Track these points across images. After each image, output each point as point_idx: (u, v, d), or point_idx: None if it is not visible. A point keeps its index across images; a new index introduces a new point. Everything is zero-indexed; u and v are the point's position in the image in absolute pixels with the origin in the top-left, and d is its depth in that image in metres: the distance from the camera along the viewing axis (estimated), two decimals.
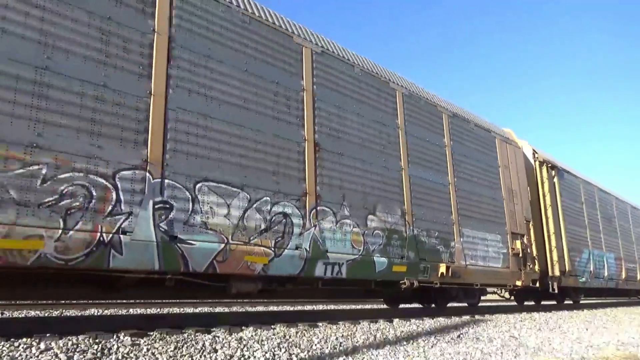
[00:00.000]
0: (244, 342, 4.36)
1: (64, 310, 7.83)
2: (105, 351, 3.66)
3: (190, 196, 5.02)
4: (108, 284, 4.93)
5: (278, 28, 6.50)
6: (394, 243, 7.32)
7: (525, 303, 13.07)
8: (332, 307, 11.75)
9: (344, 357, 4.36)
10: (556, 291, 11.37)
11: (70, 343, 3.70)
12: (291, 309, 10.35)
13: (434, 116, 9.00)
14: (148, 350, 3.83)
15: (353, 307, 11.52)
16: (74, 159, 4.27)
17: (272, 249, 5.66)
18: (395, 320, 6.75)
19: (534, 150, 12.37)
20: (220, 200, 5.27)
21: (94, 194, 4.34)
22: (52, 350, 3.49)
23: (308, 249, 6.03)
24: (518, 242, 10.33)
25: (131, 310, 8.48)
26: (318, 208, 6.31)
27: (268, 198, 5.76)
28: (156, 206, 4.73)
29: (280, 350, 4.27)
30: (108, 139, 4.52)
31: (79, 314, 7.41)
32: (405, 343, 5.20)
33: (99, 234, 4.29)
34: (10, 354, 3.35)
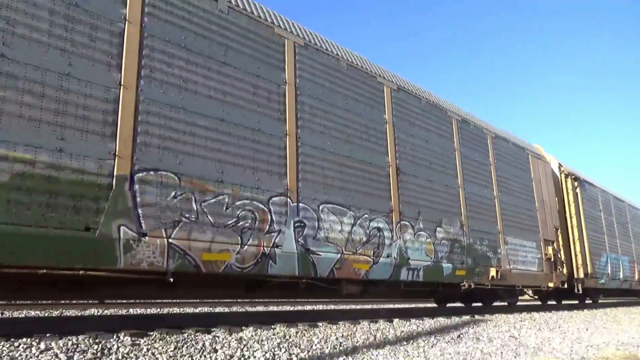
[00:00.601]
0: (244, 342, 4.36)
1: (64, 310, 7.76)
2: (105, 351, 3.66)
3: (316, 216, 6.27)
4: (254, 286, 6.17)
5: (366, 71, 7.74)
6: (455, 250, 8.58)
7: (549, 302, 14.35)
8: (332, 307, 11.59)
9: (344, 357, 4.37)
10: (581, 292, 12.67)
11: (70, 343, 3.69)
12: (291, 309, 10.26)
13: (481, 138, 10.26)
14: (148, 350, 3.83)
15: (353, 307, 11.45)
16: (244, 189, 5.52)
17: (372, 257, 6.91)
18: (395, 320, 6.81)
19: (559, 163, 13.64)
20: (335, 219, 6.53)
21: (257, 216, 5.60)
22: (52, 350, 3.50)
23: (396, 257, 7.29)
24: (550, 248, 11.61)
25: (131, 310, 8.41)
26: (401, 222, 7.56)
27: (367, 215, 7.01)
28: (295, 225, 5.98)
29: (280, 350, 4.27)
30: (263, 172, 5.77)
31: (79, 314, 7.38)
32: (405, 343, 5.22)
33: (262, 248, 5.54)
34: (10, 354, 3.35)
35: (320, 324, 5.82)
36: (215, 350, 4.03)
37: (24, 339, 3.68)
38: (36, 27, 4.26)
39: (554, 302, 14.60)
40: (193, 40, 5.43)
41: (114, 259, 4.37)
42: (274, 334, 4.86)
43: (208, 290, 5.95)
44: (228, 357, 3.91)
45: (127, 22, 4.88)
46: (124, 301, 8.54)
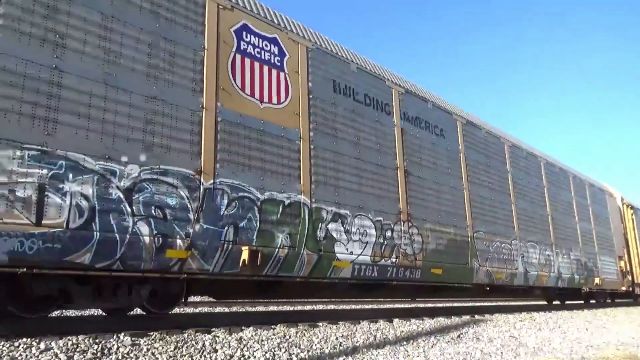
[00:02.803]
0: (244, 342, 4.37)
1: (64, 310, 7.67)
2: (105, 351, 3.67)
3: (527, 250, 10.75)
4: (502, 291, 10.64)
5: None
6: (579, 267, 13.10)
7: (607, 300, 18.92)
8: (332, 307, 11.82)
9: (344, 357, 4.39)
10: (639, 293, 17.30)
11: (70, 343, 3.69)
12: (291, 309, 10.41)
13: (582, 187, 14.78)
14: (148, 350, 3.84)
15: (353, 307, 11.76)
16: (502, 237, 9.98)
17: (547, 273, 11.41)
18: (395, 320, 6.88)
19: (621, 197, 18.23)
20: (533, 250, 11.01)
21: (508, 252, 10.06)
22: (52, 350, 3.50)
23: (557, 272, 11.79)
24: (621, 262, 16.19)
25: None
26: (556, 250, 12.06)
27: (543, 247, 11.51)
28: (521, 255, 10.45)
29: (280, 350, 4.28)
30: (508, 227, 10.24)
31: (79, 314, 7.31)
32: (405, 343, 5.24)
33: (512, 270, 10.01)
34: (10, 354, 3.37)
35: (320, 324, 5.88)
36: (215, 350, 4.05)
37: (24, 339, 3.67)
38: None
39: (609, 300, 19.22)
40: (476, 156, 9.89)
41: (472, 278, 8.84)
42: (274, 334, 4.87)
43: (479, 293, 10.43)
44: (228, 357, 3.93)
45: (460, 152, 9.33)
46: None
